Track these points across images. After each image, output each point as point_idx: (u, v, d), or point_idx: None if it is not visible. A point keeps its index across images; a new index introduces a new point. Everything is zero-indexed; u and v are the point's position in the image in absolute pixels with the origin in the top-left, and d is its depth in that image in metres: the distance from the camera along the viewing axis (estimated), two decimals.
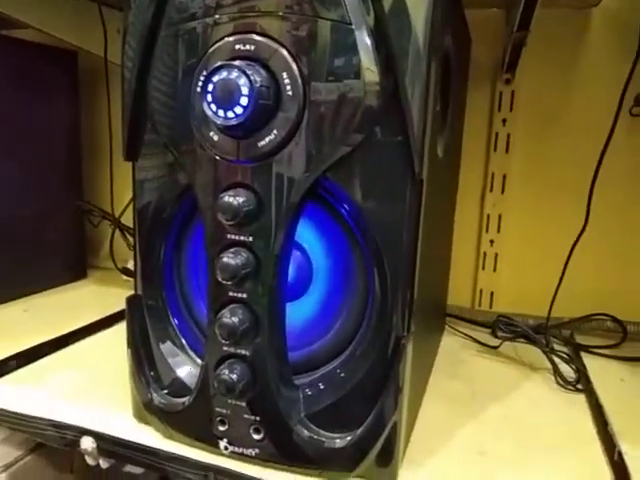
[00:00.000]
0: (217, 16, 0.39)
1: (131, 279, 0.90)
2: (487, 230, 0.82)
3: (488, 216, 0.82)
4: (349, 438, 0.41)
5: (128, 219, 0.90)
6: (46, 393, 0.55)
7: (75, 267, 0.93)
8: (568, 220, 0.75)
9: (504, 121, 0.79)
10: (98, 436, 0.48)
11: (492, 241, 0.82)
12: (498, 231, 0.82)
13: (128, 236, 0.91)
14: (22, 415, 0.51)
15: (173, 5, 0.41)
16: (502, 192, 0.81)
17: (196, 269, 0.47)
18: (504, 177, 0.80)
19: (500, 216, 0.81)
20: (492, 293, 0.83)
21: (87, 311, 0.76)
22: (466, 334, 0.75)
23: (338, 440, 0.41)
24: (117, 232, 0.92)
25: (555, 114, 0.77)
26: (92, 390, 0.56)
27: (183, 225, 0.46)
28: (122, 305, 0.78)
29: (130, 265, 0.90)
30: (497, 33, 0.77)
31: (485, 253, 0.82)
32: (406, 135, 0.37)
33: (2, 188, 0.78)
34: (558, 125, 0.77)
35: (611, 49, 0.73)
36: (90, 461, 0.49)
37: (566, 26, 0.74)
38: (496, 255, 0.82)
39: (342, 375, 0.42)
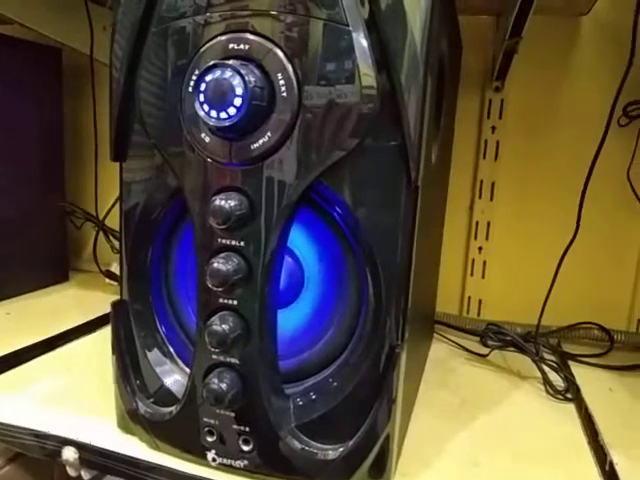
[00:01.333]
0: (209, 14, 0.38)
1: (114, 282, 0.88)
2: (476, 237, 0.82)
3: (477, 223, 0.81)
4: (341, 449, 0.40)
5: (112, 221, 0.89)
6: (26, 400, 0.53)
7: (57, 270, 0.91)
8: (557, 228, 0.75)
9: (493, 128, 0.79)
10: (80, 446, 0.46)
11: (480, 248, 0.82)
12: (487, 238, 0.81)
13: (112, 239, 0.89)
14: (0, 423, 0.49)
15: (163, 3, 0.40)
16: (491, 199, 0.80)
17: (184, 274, 0.46)
18: (493, 184, 0.80)
19: (489, 223, 0.81)
20: (480, 301, 0.83)
21: (70, 315, 0.74)
22: (455, 342, 0.75)
23: (330, 452, 0.40)
24: (100, 234, 0.89)
25: (545, 122, 0.77)
26: (74, 398, 0.54)
27: (171, 228, 0.45)
28: (105, 309, 0.77)
29: (114, 268, 0.89)
30: (487, 40, 0.78)
31: (474, 260, 0.82)
32: (402, 140, 0.36)
33: None
34: (547, 133, 0.77)
35: (601, 57, 0.73)
36: (72, 472, 0.47)
37: (556, 34, 0.75)
38: (484, 262, 0.82)
39: (335, 384, 0.41)
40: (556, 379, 0.62)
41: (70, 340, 0.68)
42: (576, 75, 0.75)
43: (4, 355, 0.60)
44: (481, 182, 0.80)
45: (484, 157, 0.80)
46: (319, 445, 0.41)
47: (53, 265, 0.91)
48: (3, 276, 0.80)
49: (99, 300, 0.84)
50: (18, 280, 0.83)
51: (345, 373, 0.41)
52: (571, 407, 0.58)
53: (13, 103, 0.79)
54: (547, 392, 0.61)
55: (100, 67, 0.84)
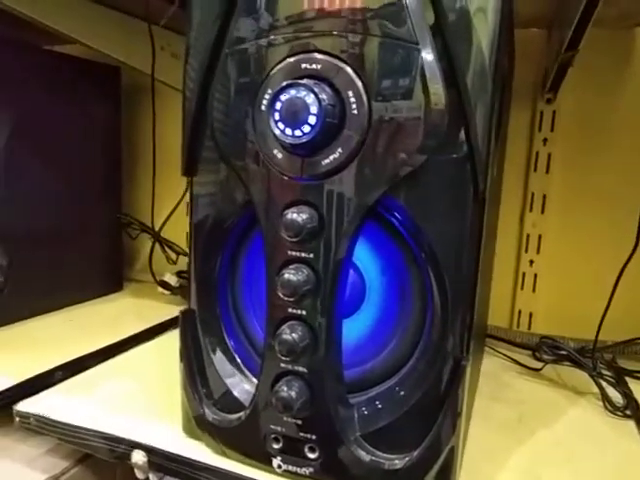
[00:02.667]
0: (278, 36, 0.40)
1: (167, 292, 0.91)
2: (526, 250, 0.81)
3: (528, 236, 0.81)
4: (407, 459, 0.40)
5: (167, 233, 0.92)
6: (94, 405, 0.55)
7: (113, 279, 0.94)
8: (611, 242, 0.75)
9: (545, 141, 0.79)
10: (149, 450, 0.48)
11: (532, 261, 0.81)
12: (538, 252, 0.81)
13: (167, 250, 0.92)
14: (71, 426, 0.52)
15: (235, 27, 0.41)
16: (542, 212, 0.80)
17: (250, 285, 0.47)
18: (544, 197, 0.80)
19: (540, 236, 0.80)
20: (530, 314, 0.82)
21: (128, 323, 0.77)
22: (506, 355, 0.74)
23: (397, 461, 0.40)
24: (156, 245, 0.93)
25: (598, 134, 0.76)
26: (139, 403, 0.56)
27: (238, 240, 0.46)
28: (161, 318, 0.80)
29: (167, 278, 0.91)
30: (538, 52, 0.78)
31: (524, 273, 0.82)
32: (470, 154, 0.37)
33: (44, 200, 0.79)
34: (601, 146, 0.76)
35: None
36: (140, 475, 0.49)
37: (611, 45, 0.74)
38: (535, 275, 0.81)
39: (401, 394, 0.41)
40: (614, 395, 0.61)
41: (130, 347, 0.71)
42: (632, 87, 0.74)
43: (71, 360, 0.63)
44: (532, 195, 0.80)
45: (535, 170, 0.79)
46: (384, 455, 0.41)
47: (109, 274, 0.94)
48: (64, 284, 0.83)
49: (154, 309, 0.86)
50: (77, 288, 0.86)
51: (411, 383, 0.42)
52: (631, 424, 0.57)
53: (73, 118, 0.83)
54: (605, 408, 0.60)
55: (159, 85, 0.87)
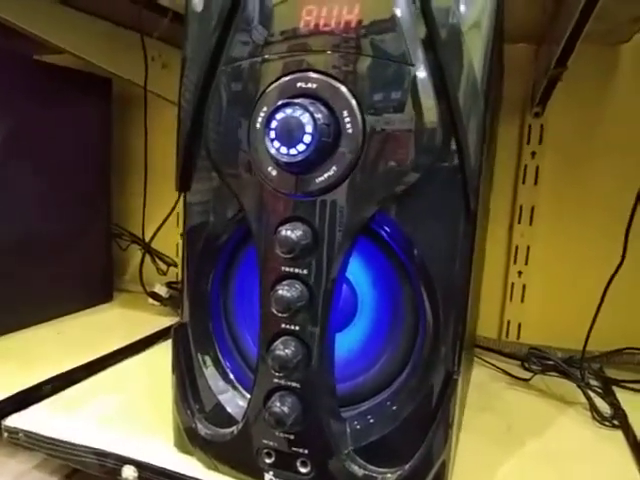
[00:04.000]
0: (275, 54, 0.40)
1: (157, 303, 0.91)
2: (515, 261, 0.82)
3: (516, 247, 0.82)
4: (399, 473, 0.41)
5: (157, 244, 0.91)
6: (83, 419, 0.55)
7: (102, 290, 0.94)
8: (598, 254, 0.76)
9: (533, 154, 0.80)
10: (140, 465, 0.48)
11: (520, 272, 0.82)
12: (526, 263, 0.82)
13: (158, 260, 0.91)
14: (61, 441, 0.51)
15: (231, 43, 0.42)
16: (530, 224, 0.81)
17: (243, 299, 0.47)
18: (532, 209, 0.81)
19: (528, 247, 0.81)
20: (519, 324, 0.83)
21: (118, 335, 0.77)
22: (495, 366, 0.75)
23: (389, 475, 0.41)
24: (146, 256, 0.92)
25: (586, 147, 0.77)
26: (129, 417, 0.56)
27: (232, 255, 0.47)
28: (152, 329, 0.80)
29: (157, 289, 0.91)
30: (527, 67, 0.79)
31: (513, 284, 0.83)
32: (462, 172, 0.38)
33: (34, 211, 0.79)
34: (588, 158, 0.77)
35: None
36: None
37: (596, 61, 0.75)
38: (524, 286, 0.82)
39: (393, 408, 0.42)
40: (601, 405, 0.62)
41: (120, 360, 0.71)
42: (617, 101, 0.76)
43: (61, 374, 0.62)
44: (521, 207, 0.81)
45: (524, 182, 0.80)
46: (376, 468, 0.42)
47: (99, 285, 0.93)
48: (53, 296, 0.83)
49: (144, 320, 0.86)
50: (66, 300, 0.86)
51: (402, 397, 0.42)
52: (619, 434, 0.58)
53: (63, 129, 0.83)
54: (593, 418, 0.60)
55: (149, 95, 0.87)
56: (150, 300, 0.92)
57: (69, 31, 0.76)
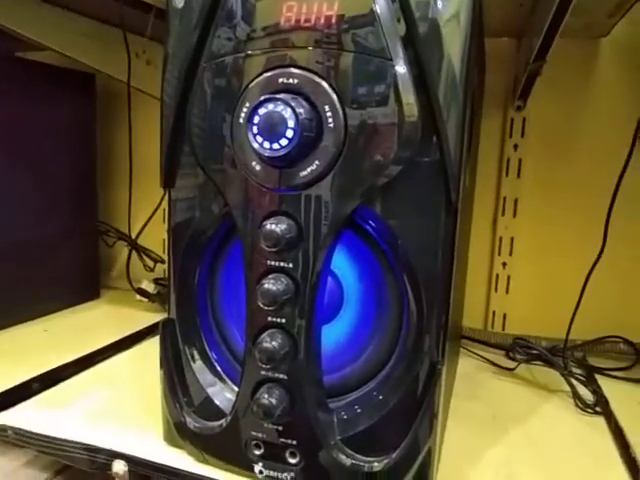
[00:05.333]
0: (257, 50, 0.40)
1: (145, 299, 0.91)
2: (499, 253, 0.83)
3: (500, 239, 0.83)
4: (385, 461, 0.41)
5: (144, 240, 0.91)
6: (73, 415, 0.55)
7: (89, 287, 0.94)
8: (581, 243, 0.77)
9: (515, 147, 0.81)
10: (130, 459, 0.48)
11: (504, 264, 0.83)
12: (510, 254, 0.83)
13: (144, 257, 0.91)
14: (51, 438, 0.51)
15: (213, 40, 0.42)
16: (514, 216, 0.82)
17: (229, 293, 0.48)
18: (516, 201, 0.82)
19: (512, 239, 0.83)
20: (504, 315, 0.85)
21: (105, 331, 0.77)
22: (481, 356, 0.76)
23: (376, 463, 0.41)
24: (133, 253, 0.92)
25: (566, 140, 0.78)
26: (119, 413, 0.56)
27: (217, 250, 0.47)
28: (139, 326, 0.80)
29: (145, 286, 0.91)
30: (508, 61, 0.80)
31: (498, 275, 0.84)
32: (443, 165, 0.38)
33: (18, 209, 0.78)
34: (569, 151, 0.79)
35: (621, 77, 0.75)
36: None
37: (576, 55, 0.76)
38: (508, 277, 0.83)
39: (380, 398, 0.43)
40: (584, 393, 0.63)
41: (108, 357, 0.71)
42: (597, 94, 0.77)
43: (48, 371, 0.62)
44: (504, 199, 0.82)
45: (507, 175, 0.82)
46: (364, 457, 0.42)
47: (85, 282, 0.93)
48: (39, 293, 0.83)
49: (131, 317, 0.86)
50: (52, 297, 0.86)
51: (388, 387, 0.43)
52: (601, 420, 0.59)
53: (46, 126, 0.83)
54: (576, 405, 0.62)
55: (133, 92, 0.87)
56: (137, 296, 0.92)
57: (52, 29, 0.75)
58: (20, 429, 0.52)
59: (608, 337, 0.76)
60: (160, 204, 0.87)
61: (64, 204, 0.87)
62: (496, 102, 0.81)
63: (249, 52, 0.41)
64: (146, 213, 0.87)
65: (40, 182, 0.82)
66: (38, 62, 0.81)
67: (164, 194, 0.87)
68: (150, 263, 0.94)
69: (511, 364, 0.72)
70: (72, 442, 0.50)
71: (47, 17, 0.74)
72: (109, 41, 0.83)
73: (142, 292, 0.91)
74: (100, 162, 0.93)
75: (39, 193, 0.82)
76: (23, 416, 0.55)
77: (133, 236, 0.91)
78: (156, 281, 0.93)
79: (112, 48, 0.83)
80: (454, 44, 0.37)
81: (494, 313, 0.85)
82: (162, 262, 0.95)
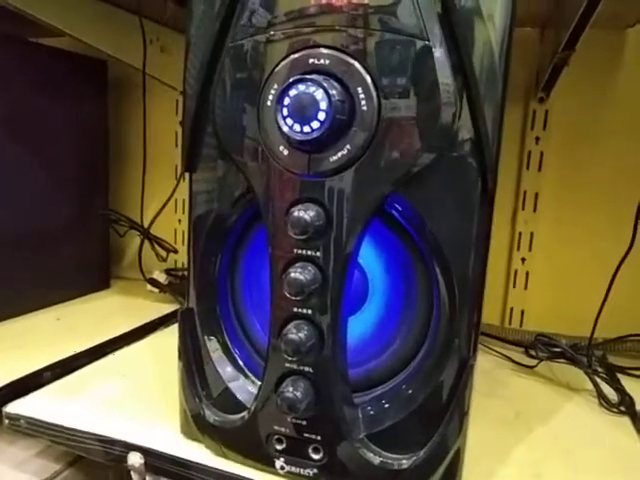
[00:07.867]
0: (284, 31, 0.39)
1: (156, 290, 0.89)
2: (519, 248, 0.82)
3: (520, 234, 0.81)
4: (413, 459, 0.40)
5: (156, 229, 0.90)
6: (87, 406, 0.54)
7: (100, 277, 0.92)
8: (602, 240, 0.75)
9: (537, 139, 0.79)
10: (146, 452, 0.47)
11: (523, 259, 0.82)
12: (530, 249, 0.81)
13: (157, 247, 0.90)
14: (64, 428, 0.50)
15: (239, 20, 0.40)
16: (534, 210, 0.80)
17: (250, 283, 0.46)
18: (536, 195, 0.80)
19: (532, 234, 0.81)
20: (522, 311, 0.83)
21: (118, 321, 0.76)
22: (499, 352, 0.74)
23: (404, 461, 0.40)
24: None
25: (591, 132, 0.77)
26: (134, 403, 0.55)
27: (239, 239, 0.46)
28: (151, 316, 0.79)
29: (156, 276, 0.90)
30: (531, 52, 0.78)
31: (516, 271, 0.82)
32: (480, 152, 0.37)
33: (30, 197, 0.77)
34: (593, 143, 0.77)
35: None
36: (136, 477, 0.48)
37: (602, 46, 0.74)
38: (527, 273, 0.82)
39: (408, 392, 0.41)
40: (608, 391, 0.62)
41: (121, 346, 0.69)
42: (622, 86, 0.75)
43: (61, 360, 0.61)
44: (524, 193, 0.80)
45: (527, 168, 0.80)
46: (390, 454, 0.41)
47: (96, 272, 0.92)
48: (51, 282, 0.82)
49: (143, 307, 0.85)
50: (64, 287, 0.85)
51: (417, 382, 0.41)
52: (626, 420, 0.58)
53: (59, 113, 0.81)
54: (600, 404, 0.60)
55: (147, 79, 0.85)
56: (149, 287, 0.90)
57: (67, 13, 0.74)
58: (33, 418, 0.51)
59: (630, 335, 0.74)
60: (173, 193, 0.85)
61: (76, 192, 0.85)
62: (518, 93, 0.79)
63: (277, 33, 0.39)
64: (159, 202, 0.86)
65: (51, 169, 0.81)
66: (50, 47, 0.80)
67: (177, 183, 0.86)
68: (162, 253, 0.92)
69: (530, 361, 0.70)
70: (86, 433, 0.49)
71: (63, 2, 0.73)
72: (124, 27, 0.81)
73: (153, 282, 0.89)
74: (113, 150, 0.92)
75: (50, 181, 0.80)
76: (36, 405, 0.54)
77: (145, 225, 0.90)
78: (168, 272, 0.91)
79: (127, 34, 0.81)
80: (494, 27, 0.36)
81: (512, 309, 0.83)
82: (175, 252, 0.94)
